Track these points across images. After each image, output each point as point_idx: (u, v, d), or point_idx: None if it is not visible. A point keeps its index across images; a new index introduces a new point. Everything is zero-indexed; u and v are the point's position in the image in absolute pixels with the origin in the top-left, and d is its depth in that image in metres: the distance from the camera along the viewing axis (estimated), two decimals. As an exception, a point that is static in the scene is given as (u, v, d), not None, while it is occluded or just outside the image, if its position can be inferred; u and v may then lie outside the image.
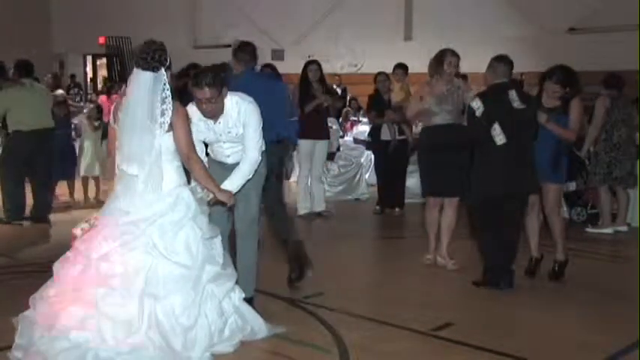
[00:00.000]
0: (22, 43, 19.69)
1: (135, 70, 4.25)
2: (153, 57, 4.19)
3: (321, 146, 9.00)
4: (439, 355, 4.53)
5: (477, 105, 5.74)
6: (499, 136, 5.67)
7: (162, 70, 4.22)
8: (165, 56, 4.25)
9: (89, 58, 24.08)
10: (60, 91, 10.90)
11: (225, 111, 4.72)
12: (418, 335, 4.81)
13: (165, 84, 4.20)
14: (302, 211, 8.95)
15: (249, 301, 4.74)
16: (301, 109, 8.73)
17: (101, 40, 21.24)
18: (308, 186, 9.03)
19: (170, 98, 4.20)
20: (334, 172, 10.64)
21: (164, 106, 4.18)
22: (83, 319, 3.98)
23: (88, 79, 24.01)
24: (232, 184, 4.71)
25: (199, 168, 4.38)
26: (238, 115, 4.73)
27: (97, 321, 3.98)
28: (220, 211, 4.82)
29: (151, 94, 4.16)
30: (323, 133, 9.06)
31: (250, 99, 4.80)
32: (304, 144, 8.89)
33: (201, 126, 4.79)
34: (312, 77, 8.80)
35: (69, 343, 3.93)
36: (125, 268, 4.08)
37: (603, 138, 8.08)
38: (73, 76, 22.43)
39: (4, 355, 4.14)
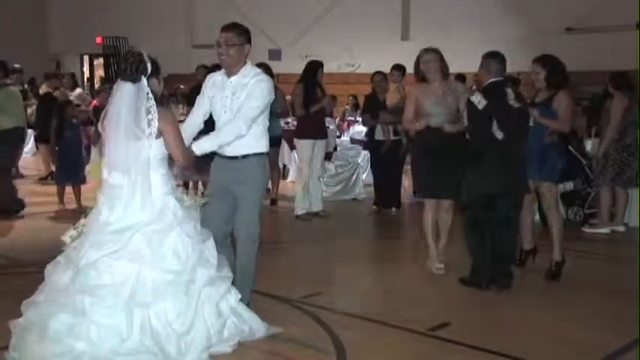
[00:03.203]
0: (18, 43, 19.67)
1: (118, 80, 4.27)
2: (131, 69, 4.20)
3: (320, 145, 9.01)
4: (436, 355, 4.53)
5: (478, 99, 5.72)
6: (497, 132, 5.67)
7: (144, 80, 4.21)
8: (144, 66, 4.23)
9: (86, 58, 24.06)
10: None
11: (241, 72, 4.81)
12: (415, 335, 4.81)
13: (148, 93, 4.20)
14: (300, 212, 8.93)
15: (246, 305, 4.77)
16: (306, 110, 8.72)
17: (98, 40, 21.21)
18: (308, 186, 9.00)
19: (155, 107, 4.20)
20: (331, 172, 10.61)
21: (149, 116, 4.18)
22: (72, 325, 3.98)
23: (85, 79, 23.99)
24: (203, 142, 4.69)
25: (187, 158, 4.42)
26: (249, 81, 4.78)
27: (86, 328, 3.98)
28: (216, 212, 4.81)
29: (134, 104, 4.16)
30: (323, 133, 9.07)
31: (269, 78, 4.88)
32: (306, 144, 8.88)
33: (214, 88, 4.88)
34: (320, 79, 8.80)
35: (62, 348, 3.93)
36: (113, 278, 4.07)
37: (616, 138, 8.03)
38: (71, 75, 22.37)
39: (2, 355, 4.13)
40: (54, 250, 4.48)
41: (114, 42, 21.13)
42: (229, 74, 4.85)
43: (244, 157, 4.84)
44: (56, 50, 23.54)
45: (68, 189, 9.29)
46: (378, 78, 9.31)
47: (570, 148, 8.62)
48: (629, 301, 5.54)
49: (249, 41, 4.85)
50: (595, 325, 5.05)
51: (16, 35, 20.48)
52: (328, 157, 10.54)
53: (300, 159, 9.21)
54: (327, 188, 10.42)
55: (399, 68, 9.35)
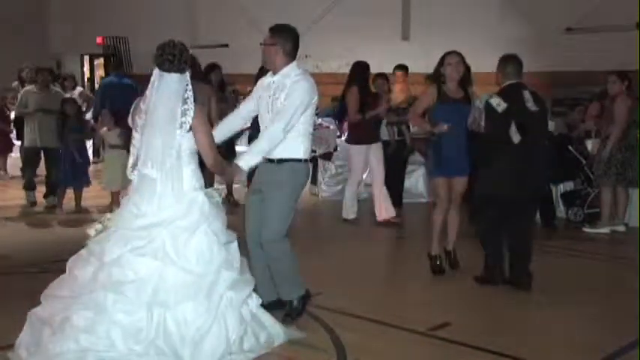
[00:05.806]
0: (19, 42, 19.67)
1: (157, 72, 4.19)
2: (180, 59, 4.16)
3: (375, 149, 8.70)
4: (436, 355, 4.54)
5: (498, 102, 5.73)
6: (515, 135, 5.69)
7: (187, 72, 4.21)
8: (189, 57, 4.24)
9: (86, 58, 24.06)
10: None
11: (283, 71, 4.86)
12: (416, 335, 4.82)
13: (187, 84, 4.19)
14: (350, 216, 8.86)
15: (303, 298, 5.00)
16: (362, 115, 8.40)
17: (98, 40, 21.22)
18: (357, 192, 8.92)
19: (192, 99, 4.18)
20: (331, 172, 10.62)
21: (185, 106, 4.15)
22: (93, 323, 3.95)
23: (85, 79, 23.99)
24: (247, 156, 4.74)
25: (216, 160, 4.40)
26: (289, 82, 4.82)
27: (106, 326, 3.95)
28: (253, 215, 4.88)
29: (174, 95, 4.13)
30: (376, 136, 8.73)
31: (309, 79, 4.91)
32: (358, 149, 8.62)
33: (262, 89, 4.96)
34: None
35: (77, 346, 3.91)
36: (136, 274, 4.03)
37: (620, 138, 8.01)
38: (72, 76, 22.38)
39: (3, 355, 4.12)
40: (55, 250, 4.49)
41: (114, 42, 21.14)
42: (273, 73, 4.92)
43: (280, 161, 4.82)
44: (56, 50, 23.55)
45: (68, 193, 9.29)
46: (379, 82, 9.20)
47: (570, 148, 8.65)
48: (629, 301, 5.54)
49: (290, 43, 4.92)
50: (595, 325, 5.06)
51: (17, 35, 20.48)
52: (328, 157, 10.55)
53: (350, 165, 8.96)
54: (327, 188, 10.43)
55: (402, 68, 9.29)
